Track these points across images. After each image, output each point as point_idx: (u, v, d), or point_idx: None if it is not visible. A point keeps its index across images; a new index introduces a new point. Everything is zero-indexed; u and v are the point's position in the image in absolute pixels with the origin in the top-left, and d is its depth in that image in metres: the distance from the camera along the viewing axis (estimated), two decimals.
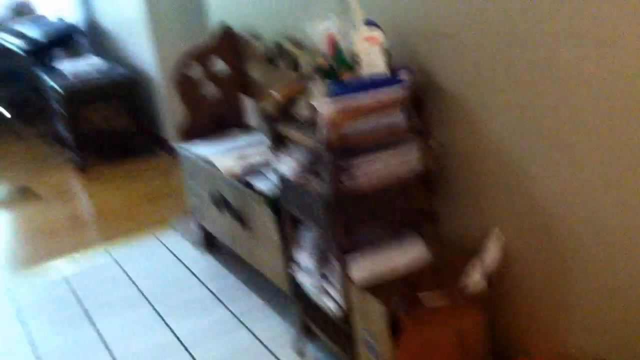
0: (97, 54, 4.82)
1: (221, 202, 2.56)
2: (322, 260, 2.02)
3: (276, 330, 2.35)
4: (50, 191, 4.05)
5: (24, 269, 3.11)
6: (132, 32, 4.24)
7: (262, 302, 2.53)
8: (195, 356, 2.28)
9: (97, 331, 2.50)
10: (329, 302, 1.98)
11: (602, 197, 1.51)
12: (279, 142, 2.05)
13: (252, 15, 2.83)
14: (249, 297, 2.58)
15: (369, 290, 1.82)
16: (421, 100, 1.90)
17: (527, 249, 1.77)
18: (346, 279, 1.87)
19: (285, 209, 2.12)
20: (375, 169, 1.86)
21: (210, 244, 2.95)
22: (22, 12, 5.95)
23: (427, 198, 1.96)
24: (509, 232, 1.81)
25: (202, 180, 2.74)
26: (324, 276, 2.01)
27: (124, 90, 4.29)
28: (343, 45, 1.93)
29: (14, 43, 5.07)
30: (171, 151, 3.77)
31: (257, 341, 2.31)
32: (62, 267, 3.06)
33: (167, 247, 3.08)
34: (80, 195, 3.99)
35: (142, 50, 4.16)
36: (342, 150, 1.79)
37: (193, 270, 2.84)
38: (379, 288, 1.84)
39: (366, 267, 1.91)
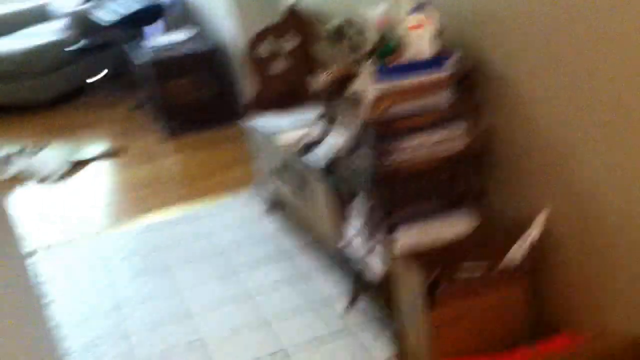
0: (187, 27, 5.09)
1: (282, 171, 2.77)
2: (369, 229, 2.18)
3: (332, 287, 2.56)
4: (138, 155, 4.39)
5: (111, 221, 3.46)
6: (218, 5, 4.47)
7: (321, 261, 2.74)
8: (258, 303, 2.53)
9: (174, 280, 2.78)
10: (374, 268, 2.14)
11: None
12: (330, 119, 2.22)
13: None
14: (309, 255, 2.81)
15: (409, 259, 1.96)
16: (469, 81, 2.00)
17: (571, 227, 1.83)
18: (388, 248, 2.03)
19: (334, 181, 2.28)
20: (421, 150, 1.99)
21: (277, 207, 3.17)
22: None
23: (474, 177, 2.07)
24: (553, 211, 1.87)
25: (267, 150, 2.95)
26: (369, 243, 2.18)
27: (208, 62, 4.53)
28: (393, 29, 2.06)
29: (110, 16, 5.43)
30: None
31: (314, 294, 2.53)
32: (146, 221, 3.38)
33: (240, 208, 3.34)
34: (164, 159, 4.30)
35: (226, 24, 4.38)
36: (384, 132, 1.93)
37: (261, 230, 3.09)
38: (420, 257, 1.97)
39: (410, 237, 2.06)
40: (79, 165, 4.31)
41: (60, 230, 3.43)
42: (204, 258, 2.93)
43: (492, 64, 1.97)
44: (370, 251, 2.17)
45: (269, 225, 3.12)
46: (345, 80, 2.24)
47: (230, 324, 2.44)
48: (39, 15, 6.42)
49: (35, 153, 4.25)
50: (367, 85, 1.97)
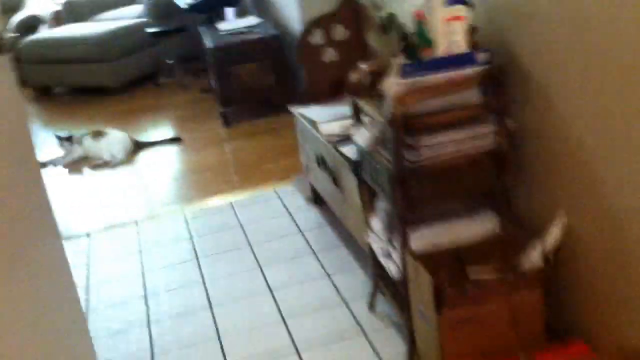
0: (257, 14, 5.14)
1: (321, 163, 2.74)
2: (390, 226, 2.13)
3: (355, 283, 2.53)
4: (196, 141, 4.47)
5: (154, 207, 3.54)
6: None
7: (349, 256, 2.72)
8: (277, 299, 2.52)
9: (202, 270, 2.81)
10: (392, 267, 2.10)
11: None
12: (359, 114, 2.17)
13: None
14: (339, 249, 2.78)
15: (424, 260, 1.91)
16: (499, 79, 1.92)
17: (591, 233, 1.76)
18: (404, 248, 1.98)
19: (364, 175, 2.24)
20: (446, 147, 1.92)
21: (317, 199, 3.15)
22: None
23: (500, 178, 1.99)
24: (574, 215, 1.80)
25: (310, 141, 2.93)
26: (390, 241, 2.13)
27: (273, 49, 4.55)
28: (426, 23, 1.99)
29: (184, 1, 5.55)
30: None
31: (335, 291, 2.51)
32: (186, 209, 3.43)
33: (284, 199, 3.34)
34: (220, 146, 4.36)
35: (291, 12, 4.39)
36: (407, 128, 1.88)
37: (297, 222, 3.08)
38: (434, 259, 1.92)
39: (427, 238, 2.00)
40: (142, 149, 4.43)
41: (107, 215, 3.54)
42: (233, 250, 2.94)
43: (523, 63, 1.89)
44: (391, 250, 2.12)
45: (307, 218, 3.10)
46: (381, 73, 2.19)
47: (247, 319, 2.44)
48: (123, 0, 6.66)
49: (100, 137, 4.39)
50: (391, 80, 1.92)
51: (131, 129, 4.67)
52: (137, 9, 6.32)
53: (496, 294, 1.80)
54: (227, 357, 2.26)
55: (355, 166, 2.30)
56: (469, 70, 1.88)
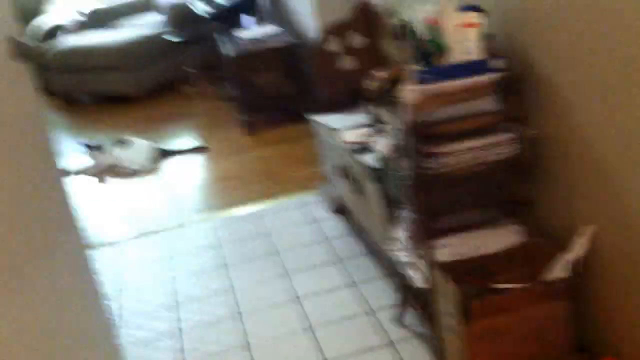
0: (276, 22, 5.14)
1: (343, 171, 2.73)
2: (414, 236, 2.12)
3: (381, 293, 2.52)
4: (221, 149, 4.49)
5: (178, 217, 3.55)
6: (304, 2, 4.48)
7: (374, 265, 2.71)
8: (304, 307, 2.54)
9: (230, 279, 2.83)
10: (416, 277, 2.08)
11: None
12: (377, 122, 2.16)
13: None
14: (365, 259, 2.78)
15: (449, 270, 1.89)
16: (516, 87, 1.90)
17: (618, 243, 1.73)
18: (429, 258, 1.96)
19: (385, 184, 2.23)
20: (465, 155, 1.90)
21: (341, 208, 3.14)
22: None
23: (521, 186, 1.97)
24: (600, 226, 1.77)
25: (331, 150, 2.92)
26: (414, 252, 2.11)
27: (292, 58, 4.55)
28: (441, 29, 1.97)
29: (203, 9, 5.57)
30: None
31: (362, 300, 2.51)
32: (214, 217, 3.45)
33: (306, 208, 3.34)
34: (244, 154, 4.37)
35: (309, 20, 4.38)
36: (425, 136, 1.86)
37: (323, 230, 3.08)
38: (459, 268, 1.91)
39: (451, 247, 1.98)
40: (166, 157, 4.46)
41: (136, 223, 3.57)
42: (260, 258, 2.95)
43: (541, 70, 1.86)
44: (415, 260, 2.10)
45: (332, 227, 3.10)
46: (397, 81, 2.18)
47: (275, 329, 2.45)
48: (144, 7, 6.71)
49: (126, 145, 4.43)
50: (407, 88, 1.90)
51: (155, 137, 4.71)
52: (155, 16, 6.36)
53: (522, 305, 1.78)
54: None
55: (377, 175, 2.29)
56: (484, 77, 1.85)
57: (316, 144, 3.28)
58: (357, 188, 2.60)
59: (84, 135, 4.97)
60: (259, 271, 2.85)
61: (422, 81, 1.89)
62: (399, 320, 2.34)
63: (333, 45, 3.09)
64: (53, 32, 6.37)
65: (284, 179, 3.79)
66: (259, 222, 3.29)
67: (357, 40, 3.10)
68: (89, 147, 4.48)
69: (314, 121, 3.09)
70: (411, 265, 2.12)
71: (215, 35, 5.31)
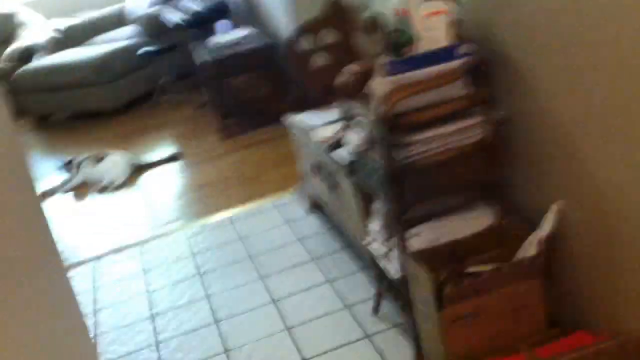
0: (250, 25, 5.14)
1: (317, 169, 2.73)
2: (387, 227, 2.12)
3: (358, 287, 2.51)
4: (199, 156, 4.47)
5: (154, 228, 3.52)
6: (277, 3, 4.48)
7: (350, 260, 2.70)
8: (281, 308, 2.51)
9: (207, 286, 2.80)
10: (391, 267, 2.08)
11: None
12: (350, 117, 2.16)
13: None
14: (340, 254, 2.77)
15: (423, 258, 1.89)
16: (485, 71, 1.91)
17: (586, 222, 1.74)
18: (402, 247, 1.96)
19: (358, 178, 2.23)
20: (436, 142, 1.90)
21: (316, 206, 3.13)
22: None
23: (492, 169, 1.97)
24: (570, 202, 1.78)
25: (305, 149, 2.92)
26: (388, 242, 2.11)
27: (267, 59, 4.54)
28: (408, 20, 1.98)
29: (177, 17, 5.56)
30: None
31: (338, 296, 2.49)
32: (188, 226, 3.42)
33: (280, 209, 3.33)
34: (220, 160, 4.35)
35: (283, 20, 4.39)
36: (396, 126, 1.86)
37: (297, 230, 3.06)
38: (433, 256, 1.91)
39: (425, 235, 1.98)
40: (142, 170, 4.43)
41: (111, 238, 3.53)
42: (238, 263, 2.93)
43: (510, 53, 1.87)
44: (390, 251, 2.10)
45: (308, 226, 3.09)
46: (368, 75, 2.18)
47: (254, 332, 2.42)
48: (117, 20, 6.68)
49: (102, 160, 4.40)
50: (377, 80, 1.91)
51: (132, 150, 4.68)
52: (130, 29, 6.33)
53: (495, 286, 1.78)
54: None
55: (350, 169, 2.28)
56: (452, 64, 1.86)
57: (292, 143, 3.27)
58: (332, 184, 2.60)
59: (61, 154, 4.93)
60: (236, 276, 2.82)
61: (392, 72, 1.89)
62: (377, 312, 2.34)
63: (306, 44, 3.09)
64: (28, 54, 6.33)
65: (261, 182, 3.78)
66: (235, 227, 3.26)
67: (330, 36, 3.11)
68: (65, 164, 4.44)
69: (290, 121, 3.09)
70: (386, 256, 2.12)
71: (191, 43, 5.31)
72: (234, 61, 4.52)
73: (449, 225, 1.99)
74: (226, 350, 2.36)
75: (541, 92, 1.77)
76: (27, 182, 1.87)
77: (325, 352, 2.22)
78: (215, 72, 4.50)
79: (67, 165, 4.42)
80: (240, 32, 4.83)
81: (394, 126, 1.86)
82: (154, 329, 2.60)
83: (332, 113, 2.89)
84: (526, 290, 1.80)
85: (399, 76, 1.88)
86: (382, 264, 2.15)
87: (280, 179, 3.69)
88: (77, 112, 6.07)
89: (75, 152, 4.85)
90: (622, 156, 1.55)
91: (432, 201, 2.02)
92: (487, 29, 1.93)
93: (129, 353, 2.50)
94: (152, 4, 6.03)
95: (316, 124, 2.80)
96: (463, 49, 1.87)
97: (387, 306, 2.33)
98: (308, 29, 3.08)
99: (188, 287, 2.84)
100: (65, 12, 6.98)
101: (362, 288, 2.50)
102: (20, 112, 5.91)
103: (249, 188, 3.74)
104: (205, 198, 3.77)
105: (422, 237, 1.97)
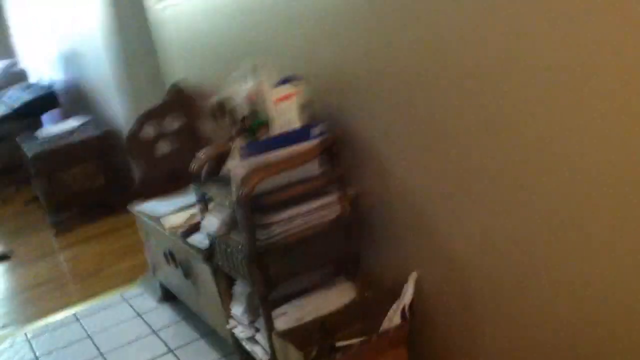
0: (82, 114, 4.98)
1: (169, 257, 2.66)
2: (251, 309, 2.10)
3: None
4: (27, 254, 4.17)
5: None
6: (110, 91, 4.40)
7: (210, 348, 2.60)
8: None
9: None
10: (258, 350, 2.05)
11: (502, 242, 1.59)
12: (205, 201, 2.15)
13: (201, 74, 2.96)
14: (199, 343, 2.66)
15: (291, 337, 1.89)
16: (336, 150, 1.99)
17: (443, 286, 1.84)
18: (269, 328, 1.95)
19: (217, 262, 2.20)
20: (295, 222, 1.94)
21: (168, 296, 3.03)
22: (15, 79, 6.18)
23: (348, 244, 2.04)
24: (425, 271, 1.87)
25: (154, 237, 2.84)
26: (253, 326, 2.09)
27: (100, 149, 4.41)
28: (260, 104, 2.04)
29: (2, 110, 5.29)
30: None
31: None
32: (27, 329, 3.15)
33: (129, 303, 3.16)
34: (55, 256, 4.10)
35: (118, 109, 4.31)
36: (256, 207, 1.88)
37: (150, 323, 2.92)
38: (301, 333, 1.91)
39: (290, 314, 1.99)
40: None
41: None
42: None
43: (357, 133, 1.98)
44: (256, 333, 2.08)
45: (160, 317, 2.95)
46: (222, 158, 2.20)
47: None
48: None
49: None
50: (234, 163, 1.93)
51: None
52: None
53: (365, 358, 1.81)
54: None
55: (207, 254, 2.25)
56: (308, 144, 1.93)
57: (138, 233, 3.17)
58: (188, 270, 2.54)
59: None
60: None
61: (248, 155, 1.93)
62: None
63: (148, 131, 3.06)
64: None
65: (103, 275, 3.59)
66: (82, 324, 3.05)
67: (172, 123, 3.10)
68: None
69: (136, 210, 3.00)
70: (251, 339, 2.10)
71: (17, 135, 5.04)
72: (68, 151, 4.35)
73: (312, 303, 2.02)
74: None
75: (389, 169, 1.89)
76: None
77: None
78: (43, 166, 4.29)
79: None
80: (74, 122, 4.68)
81: (255, 207, 1.88)
82: None
83: (182, 198, 2.86)
84: (394, 358, 1.85)
85: (256, 158, 1.92)
86: (249, 347, 2.11)
87: (126, 271, 3.53)
88: None
89: None
90: (470, 227, 1.67)
91: (295, 280, 2.04)
92: (337, 109, 2.04)
93: None
94: None
95: (165, 211, 2.74)
96: (317, 129, 1.95)
97: None
98: (152, 115, 3.06)
99: None
100: None
101: None
102: None
103: (90, 283, 3.53)
104: (42, 297, 3.50)
105: (288, 316, 1.98)
